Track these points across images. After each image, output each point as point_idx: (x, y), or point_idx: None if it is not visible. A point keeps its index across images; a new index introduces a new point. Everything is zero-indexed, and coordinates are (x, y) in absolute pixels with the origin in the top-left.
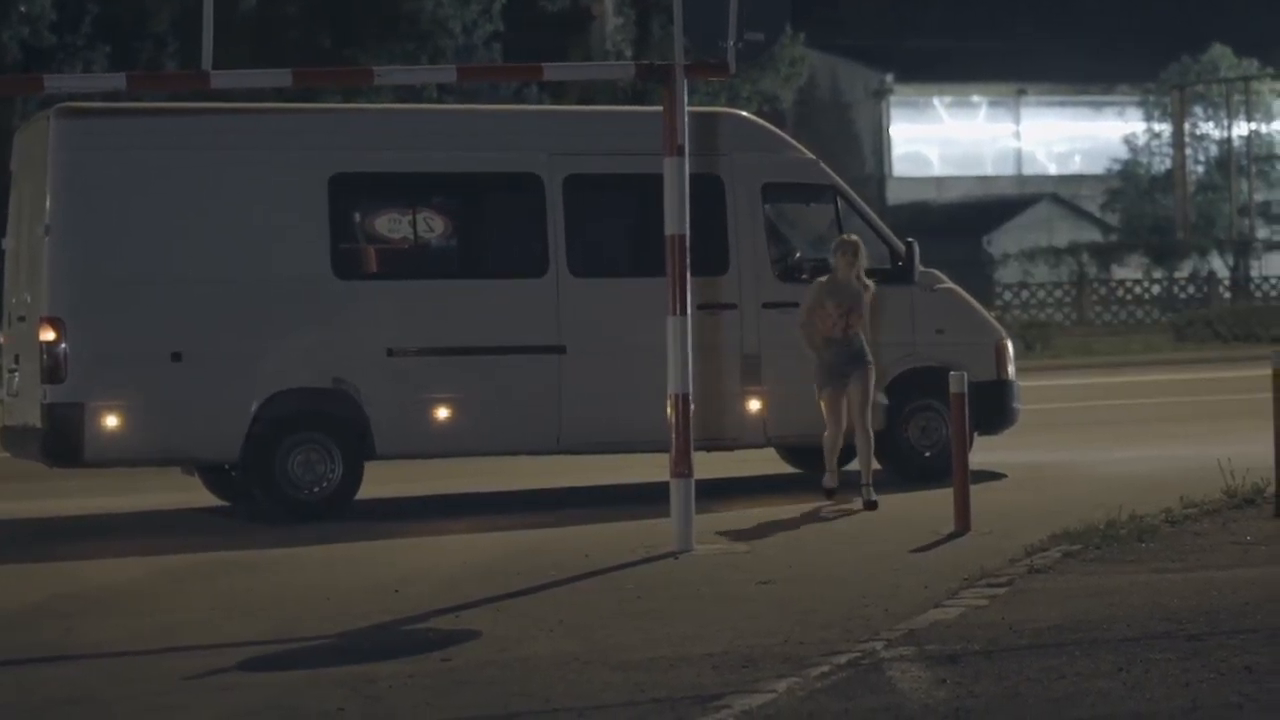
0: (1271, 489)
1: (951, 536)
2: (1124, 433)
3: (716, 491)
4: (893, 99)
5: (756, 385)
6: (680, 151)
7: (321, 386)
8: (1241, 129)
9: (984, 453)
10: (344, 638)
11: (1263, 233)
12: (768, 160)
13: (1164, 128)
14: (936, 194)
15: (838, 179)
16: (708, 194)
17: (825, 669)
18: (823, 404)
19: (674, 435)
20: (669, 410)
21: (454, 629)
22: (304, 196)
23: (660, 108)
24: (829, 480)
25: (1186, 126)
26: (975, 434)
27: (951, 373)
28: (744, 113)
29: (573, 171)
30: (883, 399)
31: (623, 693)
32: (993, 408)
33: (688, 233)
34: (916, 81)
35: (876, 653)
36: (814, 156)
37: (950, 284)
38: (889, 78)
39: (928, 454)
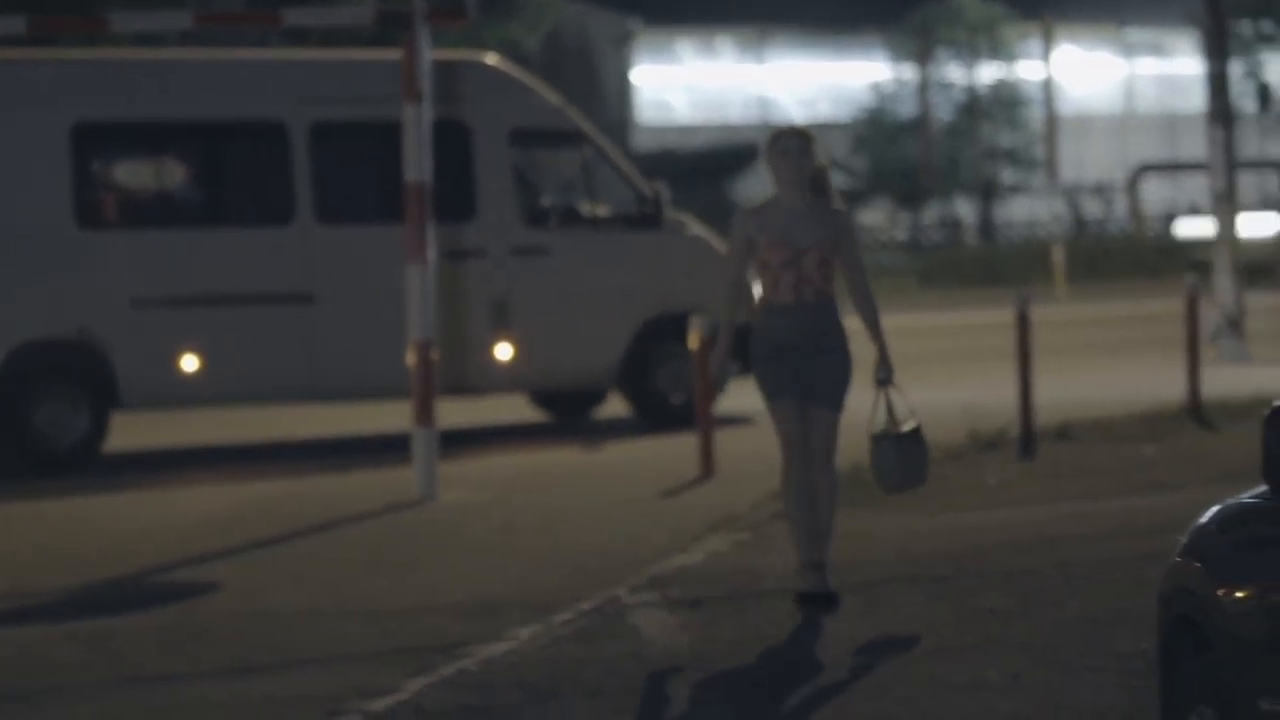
0: (1014, 432)
1: (697, 482)
2: (869, 376)
3: (465, 440)
4: (638, 44)
5: (506, 331)
6: (420, 98)
7: (66, 337)
8: (987, 74)
9: (733, 399)
10: (82, 592)
11: (1007, 177)
12: (514, 106)
13: (910, 74)
14: (682, 141)
15: (585, 124)
16: (454, 140)
17: (569, 616)
18: (774, 423)
19: (416, 384)
20: (410, 358)
21: (195, 581)
22: (46, 145)
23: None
24: (805, 557)
25: (932, 71)
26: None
27: (692, 317)
28: (490, 59)
29: (319, 118)
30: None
31: (366, 643)
32: (743, 352)
33: (429, 180)
34: (662, 25)
35: (620, 599)
36: (560, 102)
37: (699, 230)
38: (634, 22)
39: (676, 400)
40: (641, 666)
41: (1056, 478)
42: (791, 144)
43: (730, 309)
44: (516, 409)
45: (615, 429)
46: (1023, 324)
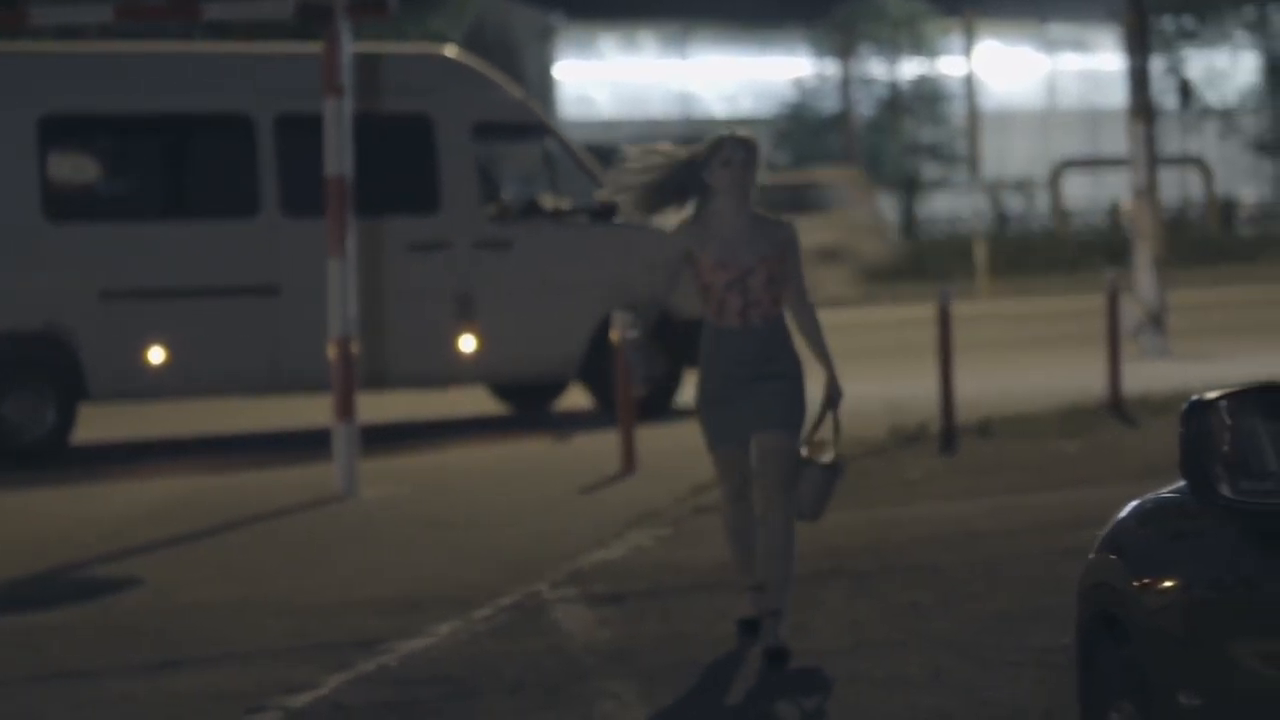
0: (936, 428)
1: (618, 477)
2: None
3: (391, 435)
4: (560, 39)
5: (469, 323)
6: (340, 92)
7: (33, 330)
8: (909, 69)
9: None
10: (4, 587)
11: (930, 172)
12: (477, 99)
13: (833, 69)
14: (606, 136)
15: (547, 118)
16: (417, 133)
17: (489, 612)
18: (715, 469)
19: (336, 379)
20: (331, 354)
21: (117, 577)
22: (13, 137)
23: (376, 46)
24: (747, 580)
25: (855, 67)
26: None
27: (615, 313)
28: (452, 53)
29: (284, 111)
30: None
31: (286, 638)
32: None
33: (349, 174)
34: (584, 20)
35: (541, 594)
36: (523, 96)
37: (654, 224)
38: (557, 17)
39: (638, 392)
40: (562, 662)
41: (977, 473)
42: (736, 154)
43: (650, 311)
44: (442, 405)
45: (539, 424)
46: (944, 319)
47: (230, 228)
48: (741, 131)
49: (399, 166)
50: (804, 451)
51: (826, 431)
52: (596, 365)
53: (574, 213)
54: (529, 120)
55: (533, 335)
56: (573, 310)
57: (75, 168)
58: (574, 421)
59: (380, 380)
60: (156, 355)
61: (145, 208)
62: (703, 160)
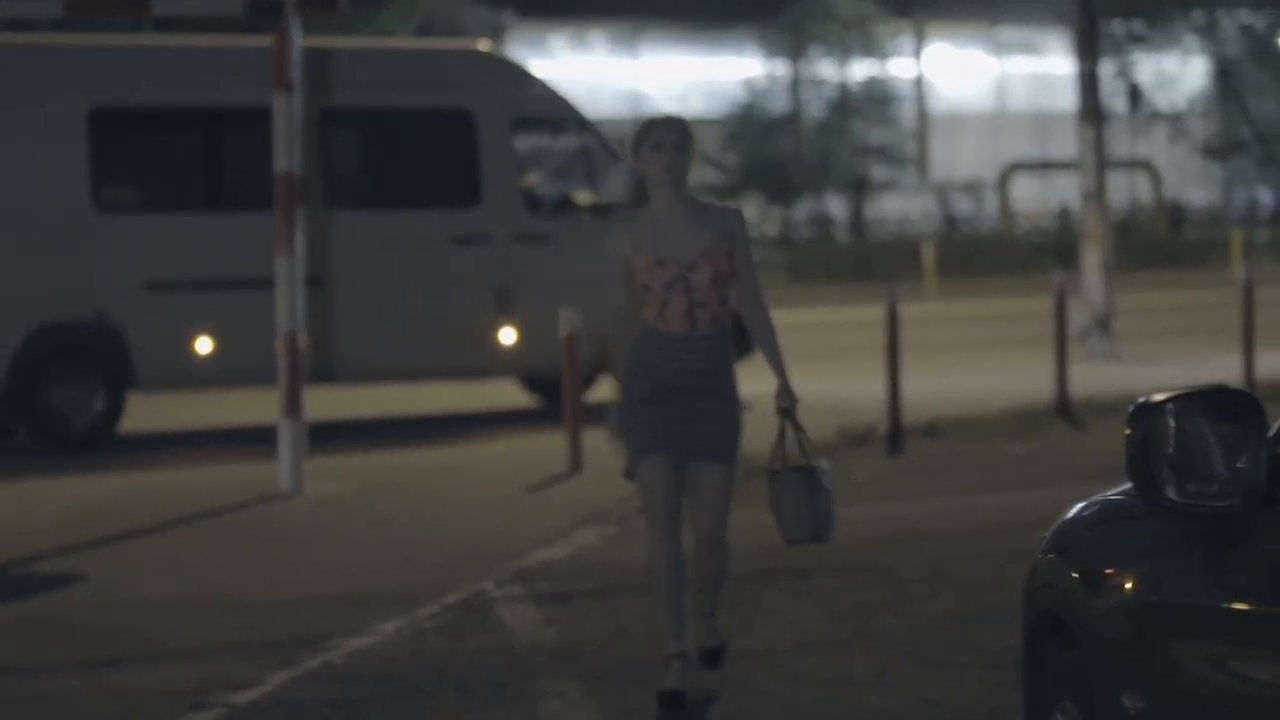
0: (883, 429)
1: (565, 477)
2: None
3: (343, 433)
4: (511, 37)
5: (508, 316)
6: (290, 88)
7: (83, 319)
8: (859, 71)
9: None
10: None
11: (879, 174)
12: (518, 95)
13: (783, 70)
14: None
15: (584, 113)
16: (459, 128)
17: (434, 610)
18: (640, 487)
19: (283, 375)
20: (278, 350)
21: (61, 573)
22: (65, 129)
23: (419, 43)
24: (673, 647)
25: (805, 68)
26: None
27: (561, 312)
28: (492, 49)
29: (329, 105)
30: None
31: (230, 635)
32: (738, 336)
33: (297, 170)
34: (535, 18)
35: (486, 593)
36: (560, 92)
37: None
38: (507, 15)
39: None
40: (508, 660)
41: (925, 474)
42: (667, 137)
43: (620, 350)
44: (388, 402)
45: (488, 423)
46: (892, 320)
47: (274, 220)
48: (671, 114)
49: (441, 160)
50: (777, 467)
51: (791, 444)
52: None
53: (610, 206)
54: (566, 115)
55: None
56: (608, 304)
57: (124, 159)
58: (516, 420)
59: (418, 373)
60: (204, 345)
61: (192, 199)
62: (632, 148)
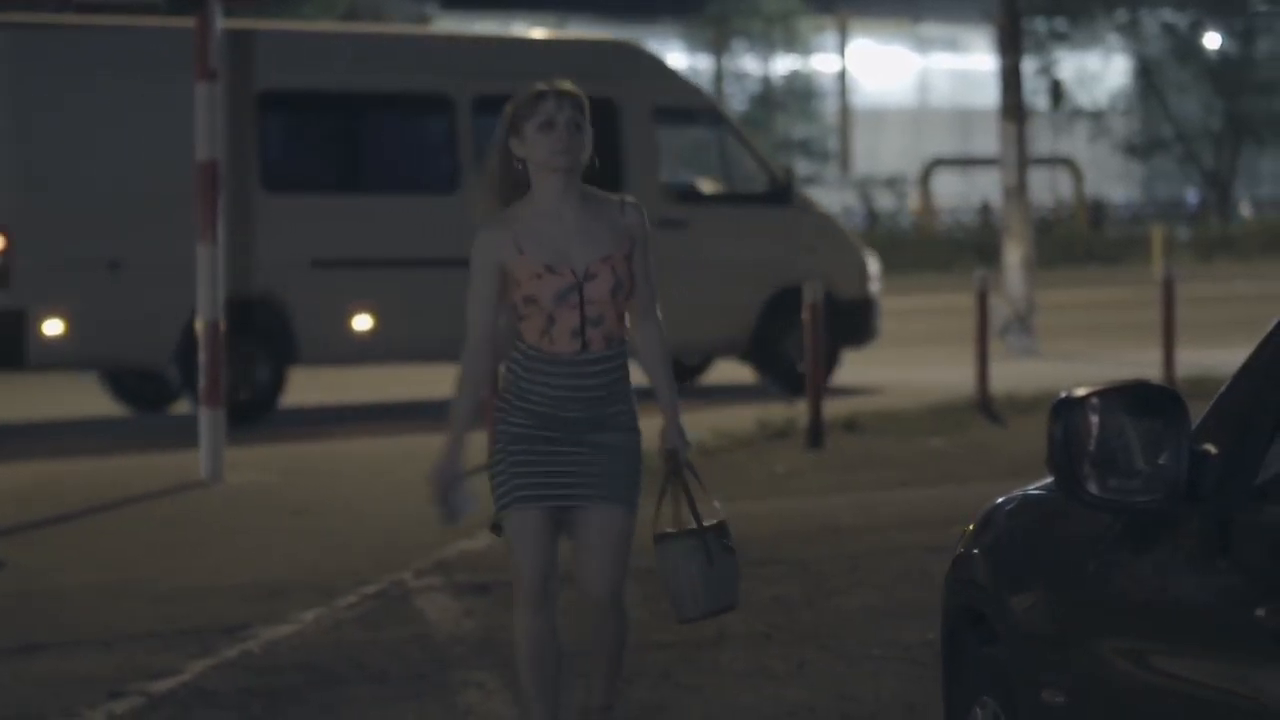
0: (803, 422)
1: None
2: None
3: (263, 424)
4: (434, 27)
5: None
6: (211, 77)
7: (252, 296)
8: (782, 65)
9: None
10: None
11: (801, 169)
12: (658, 86)
13: (706, 64)
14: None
15: (720, 106)
16: (603, 117)
17: (353, 599)
18: (510, 545)
19: (205, 364)
20: (199, 340)
21: None
22: (235, 112)
23: (565, 34)
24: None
25: (728, 62)
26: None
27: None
28: (635, 42)
29: (481, 92)
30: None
31: (150, 623)
32: (859, 323)
33: (220, 159)
34: (458, 10)
35: (406, 583)
36: (698, 84)
37: (822, 208)
38: (431, 5)
39: (803, 368)
40: (427, 651)
41: (844, 468)
42: (559, 113)
43: (471, 389)
44: (340, 389)
45: (435, 413)
46: (813, 315)
47: (432, 202)
48: (565, 84)
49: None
50: (668, 530)
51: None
52: (765, 342)
53: (746, 196)
54: (705, 106)
55: (707, 313)
56: (742, 289)
57: (291, 141)
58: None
59: None
60: (363, 323)
61: (355, 181)
62: (508, 126)
